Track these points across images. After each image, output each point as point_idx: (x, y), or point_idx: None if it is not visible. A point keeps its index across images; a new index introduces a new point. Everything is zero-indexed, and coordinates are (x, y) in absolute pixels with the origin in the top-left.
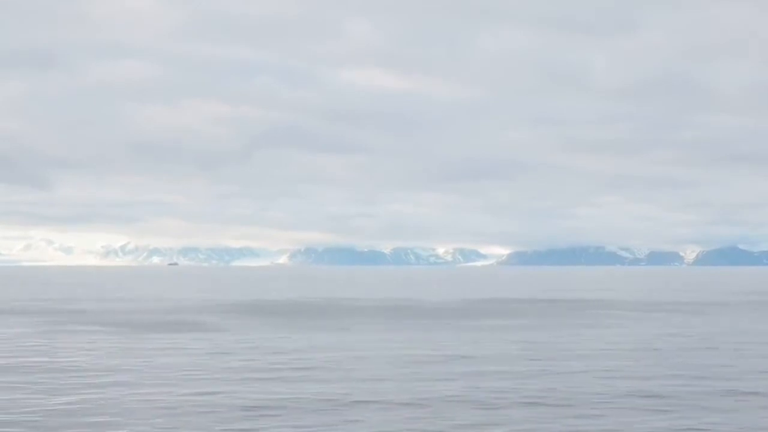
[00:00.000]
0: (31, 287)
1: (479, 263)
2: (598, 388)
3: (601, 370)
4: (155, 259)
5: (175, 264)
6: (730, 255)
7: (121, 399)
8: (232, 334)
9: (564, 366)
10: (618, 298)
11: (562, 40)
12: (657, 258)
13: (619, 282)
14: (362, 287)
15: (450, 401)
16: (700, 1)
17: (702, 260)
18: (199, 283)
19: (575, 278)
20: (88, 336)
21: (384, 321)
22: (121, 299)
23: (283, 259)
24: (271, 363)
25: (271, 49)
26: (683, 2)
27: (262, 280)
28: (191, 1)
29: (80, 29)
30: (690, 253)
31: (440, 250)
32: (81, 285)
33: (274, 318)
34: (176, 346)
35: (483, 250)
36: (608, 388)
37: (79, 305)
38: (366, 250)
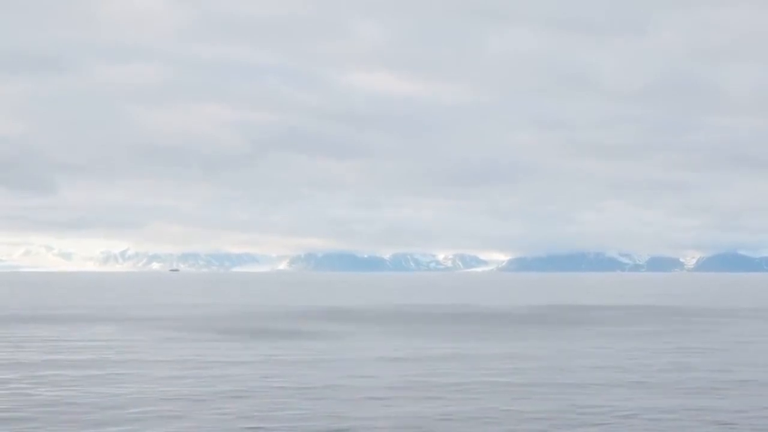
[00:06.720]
0: (68, 293)
1: (479, 269)
2: None
3: None
4: (155, 265)
5: (177, 270)
6: (730, 261)
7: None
8: (365, 341)
9: None
10: (677, 304)
11: (570, 42)
12: (657, 264)
13: (646, 288)
14: (404, 293)
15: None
16: (708, 3)
17: (702, 266)
18: (228, 289)
19: (595, 284)
20: (228, 344)
21: (496, 327)
22: (177, 305)
23: (283, 265)
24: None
25: (277, 51)
26: (691, 4)
27: (287, 287)
28: (197, 3)
29: (86, 31)
30: (690, 259)
31: (440, 256)
32: (114, 291)
33: (377, 325)
34: (333, 351)
35: (483, 256)
36: None
37: (147, 312)
38: (366, 256)
